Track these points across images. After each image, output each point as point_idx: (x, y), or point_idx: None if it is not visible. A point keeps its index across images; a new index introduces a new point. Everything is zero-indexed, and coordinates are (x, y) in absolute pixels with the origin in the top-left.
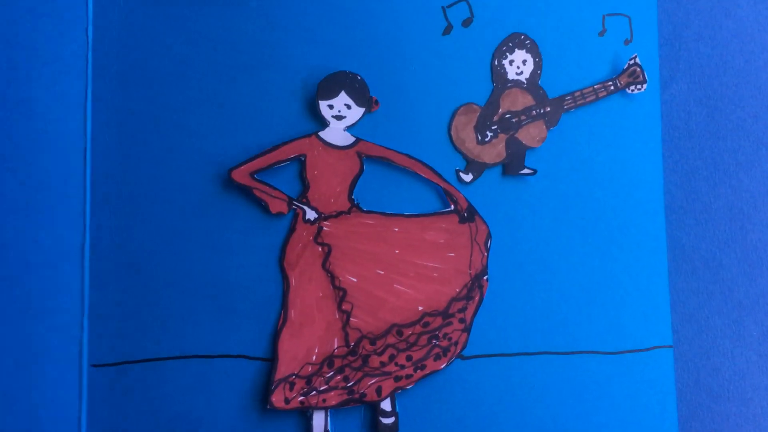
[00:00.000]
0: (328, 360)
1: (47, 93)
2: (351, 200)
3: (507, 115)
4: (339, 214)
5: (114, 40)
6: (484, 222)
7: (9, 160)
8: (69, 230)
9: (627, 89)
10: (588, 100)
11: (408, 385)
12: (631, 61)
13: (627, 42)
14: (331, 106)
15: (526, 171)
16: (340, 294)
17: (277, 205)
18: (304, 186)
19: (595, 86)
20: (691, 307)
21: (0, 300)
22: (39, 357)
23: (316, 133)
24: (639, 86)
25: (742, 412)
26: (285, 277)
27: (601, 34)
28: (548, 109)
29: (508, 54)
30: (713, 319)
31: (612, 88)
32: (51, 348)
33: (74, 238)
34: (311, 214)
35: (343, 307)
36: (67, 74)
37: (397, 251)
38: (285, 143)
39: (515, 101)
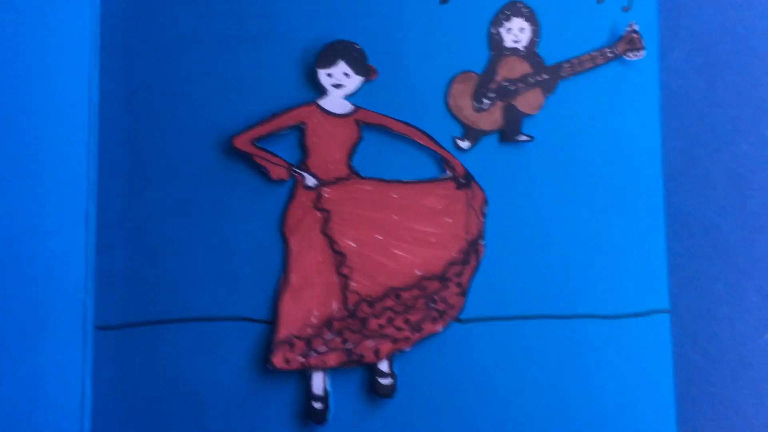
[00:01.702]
0: (328, 322)
1: (56, 63)
2: (350, 167)
3: (504, 83)
4: (338, 180)
5: (120, 11)
6: (481, 188)
7: (17, 128)
8: (75, 194)
9: (625, 56)
10: (585, 67)
11: (405, 347)
12: (629, 28)
13: (625, 9)
14: (330, 75)
15: (522, 138)
16: (339, 258)
17: (278, 172)
18: (304, 153)
19: (593, 53)
20: (690, 272)
21: (6, 262)
22: (44, 319)
23: (315, 102)
24: (637, 53)
25: (740, 377)
26: (285, 242)
27: (600, 1)
28: (545, 76)
29: (505, 22)
30: (712, 284)
31: (610, 55)
32: (56, 310)
33: (80, 202)
34: (311, 181)
35: (343, 271)
36: (74, 45)
37: (395, 216)
38: (285, 111)
39: (512, 69)
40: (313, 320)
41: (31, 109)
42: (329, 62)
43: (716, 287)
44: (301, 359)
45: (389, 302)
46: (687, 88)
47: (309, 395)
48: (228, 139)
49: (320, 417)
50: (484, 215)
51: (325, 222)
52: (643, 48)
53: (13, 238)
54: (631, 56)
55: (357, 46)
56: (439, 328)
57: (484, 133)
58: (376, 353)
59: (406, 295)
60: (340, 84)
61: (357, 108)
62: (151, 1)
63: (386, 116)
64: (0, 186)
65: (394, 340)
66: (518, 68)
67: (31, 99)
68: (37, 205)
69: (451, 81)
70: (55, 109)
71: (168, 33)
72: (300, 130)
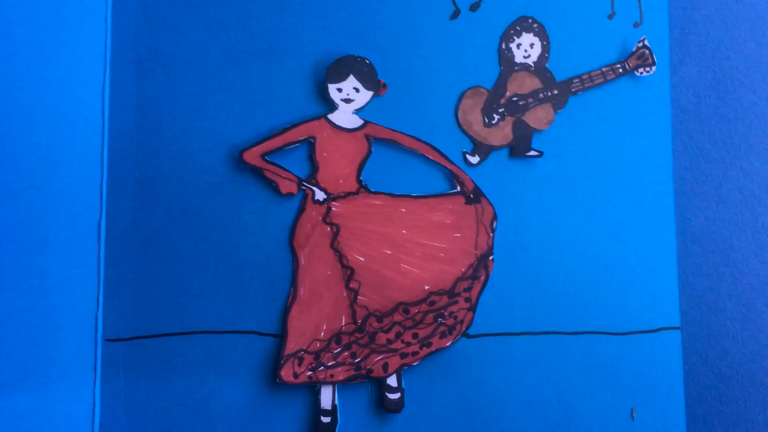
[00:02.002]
0: (336, 336)
1: (68, 76)
2: (359, 181)
3: (514, 98)
4: (347, 194)
5: (132, 25)
6: (490, 203)
7: (29, 142)
8: (87, 208)
9: (636, 72)
10: (596, 82)
11: (414, 361)
12: (640, 44)
13: (636, 25)
14: (340, 90)
15: (532, 153)
16: (348, 273)
17: (287, 186)
18: (314, 167)
19: (603, 69)
20: (701, 289)
21: (19, 275)
22: (55, 330)
23: (325, 116)
24: (648, 69)
25: (752, 395)
26: (294, 256)
27: (610, 17)
28: (556, 92)
29: (515, 37)
30: (723, 302)
31: (620, 70)
32: (67, 322)
33: (92, 216)
34: (320, 195)
35: (351, 285)
36: (87, 59)
37: (404, 231)
38: (295, 126)
39: (522, 84)
40: (322, 334)
41: (44, 122)
42: (339, 77)
43: (727, 305)
44: (310, 373)
45: (398, 317)
46: (698, 104)
47: (317, 409)
48: (238, 153)
49: (328, 431)
50: (493, 231)
51: (334, 236)
52: (653, 64)
53: (28, 251)
54: (642, 72)
55: (367, 61)
56: (447, 343)
57: (494, 149)
58: (385, 368)
59: (414, 309)
60: (350, 99)
61: (366, 123)
62: (162, 15)
63: (396, 131)
64: (14, 199)
65: (403, 355)
66: (528, 84)
67: (44, 113)
68: (50, 219)
69: (461, 96)
70: (67, 123)
71: (179, 47)
72: (310, 144)
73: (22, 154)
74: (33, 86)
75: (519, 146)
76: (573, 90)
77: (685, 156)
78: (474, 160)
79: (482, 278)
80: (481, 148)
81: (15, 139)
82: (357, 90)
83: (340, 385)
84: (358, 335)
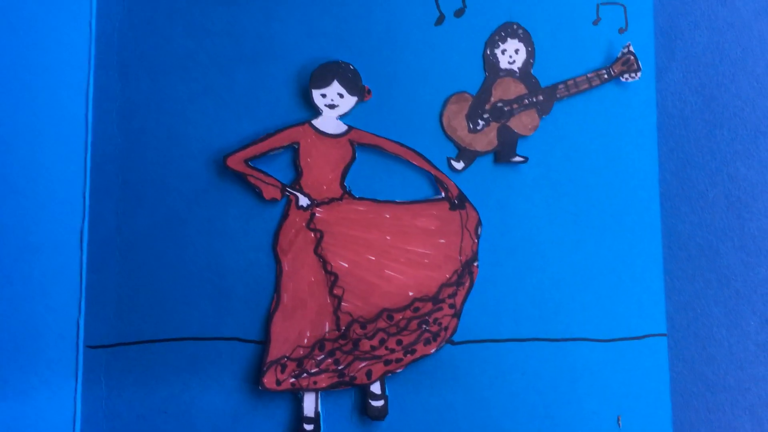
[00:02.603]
0: (319, 343)
1: (51, 80)
2: (343, 187)
3: (499, 104)
4: (331, 200)
5: (116, 30)
6: (475, 209)
7: (12, 146)
8: (69, 214)
9: (621, 77)
10: (581, 88)
11: (398, 368)
12: (625, 50)
13: (622, 31)
14: (324, 95)
15: (517, 159)
16: (332, 279)
17: (271, 192)
18: (298, 173)
19: (589, 75)
20: (687, 296)
21: (4, 284)
22: (37, 336)
23: (309, 122)
24: (633, 74)
25: (739, 402)
26: (278, 262)
27: (596, 23)
28: (541, 97)
29: (500, 43)
30: (709, 308)
31: (606, 76)
32: (49, 328)
33: (74, 221)
34: (304, 201)
35: (335, 292)
36: (71, 63)
37: (388, 237)
38: (279, 131)
39: (507, 90)
40: (305, 341)
41: (27, 126)
42: (323, 82)
43: (714, 311)
44: (293, 380)
45: (382, 323)
46: (684, 109)
47: (300, 416)
48: (221, 158)
49: None
50: (478, 236)
51: (318, 242)
52: (639, 69)
53: (8, 256)
54: (628, 78)
55: (351, 67)
56: (432, 350)
57: (479, 154)
58: (368, 375)
59: (398, 316)
60: (334, 104)
61: (351, 128)
62: (147, 19)
63: (380, 137)
64: (0, 204)
65: (387, 362)
66: (513, 89)
67: (27, 116)
68: (32, 223)
69: (445, 102)
70: (50, 128)
71: (163, 52)
72: (293, 150)
73: (3, 158)
74: (16, 89)
75: (504, 152)
76: (558, 96)
77: (671, 161)
78: (459, 165)
79: (467, 284)
80: (465, 154)
81: None
82: (341, 95)
83: (324, 392)
84: (341, 342)
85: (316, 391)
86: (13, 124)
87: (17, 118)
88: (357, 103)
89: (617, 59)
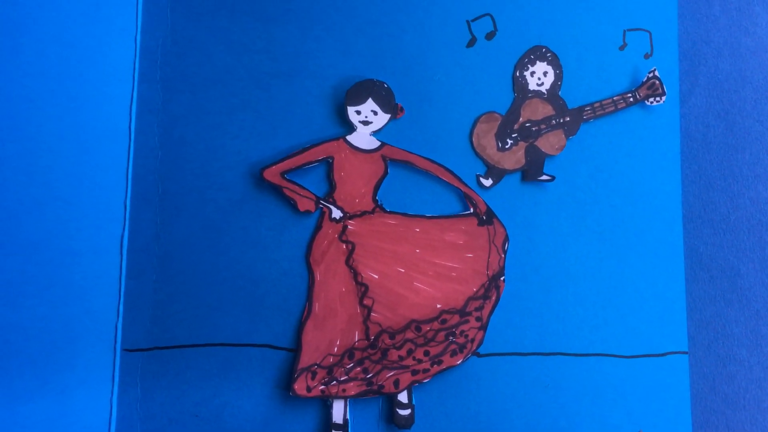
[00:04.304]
0: (349, 352)
1: (97, 94)
2: (375, 201)
3: (527, 124)
4: (363, 213)
5: (159, 46)
6: (502, 225)
7: (57, 154)
8: (110, 221)
9: (646, 101)
10: (607, 110)
11: (425, 379)
12: (651, 74)
13: (647, 56)
14: (358, 112)
15: (544, 177)
16: (362, 289)
17: (305, 204)
18: (331, 186)
19: (615, 98)
20: (708, 315)
21: (43, 283)
22: (75, 339)
23: (343, 137)
24: (658, 98)
25: (758, 421)
26: (310, 272)
27: (622, 48)
28: (568, 118)
29: (529, 66)
30: (730, 327)
31: (631, 99)
32: (87, 331)
33: (115, 229)
34: (337, 213)
35: (365, 302)
36: (116, 77)
37: (417, 250)
38: (314, 145)
39: (535, 111)
40: (335, 349)
41: (72, 136)
42: (358, 100)
43: (734, 330)
44: (322, 387)
45: (410, 334)
46: (707, 133)
47: (329, 423)
48: (258, 171)
49: None
50: (505, 252)
51: (350, 254)
52: (663, 93)
53: (52, 261)
54: (652, 101)
55: (385, 85)
56: (458, 361)
57: (507, 172)
58: (396, 384)
59: (426, 327)
60: (368, 121)
61: (383, 144)
62: (189, 37)
63: (411, 153)
64: (41, 210)
65: (414, 372)
66: (541, 110)
67: (73, 126)
68: (75, 230)
69: (475, 121)
70: (94, 140)
71: (204, 67)
72: (328, 164)
73: (50, 167)
74: (63, 102)
75: (531, 170)
76: (584, 117)
77: (693, 184)
78: (487, 182)
79: (493, 298)
80: (494, 172)
81: (44, 152)
82: (375, 113)
83: (352, 400)
84: (370, 351)
85: (345, 398)
86: (60, 134)
87: (63, 128)
88: (390, 120)
89: (643, 83)
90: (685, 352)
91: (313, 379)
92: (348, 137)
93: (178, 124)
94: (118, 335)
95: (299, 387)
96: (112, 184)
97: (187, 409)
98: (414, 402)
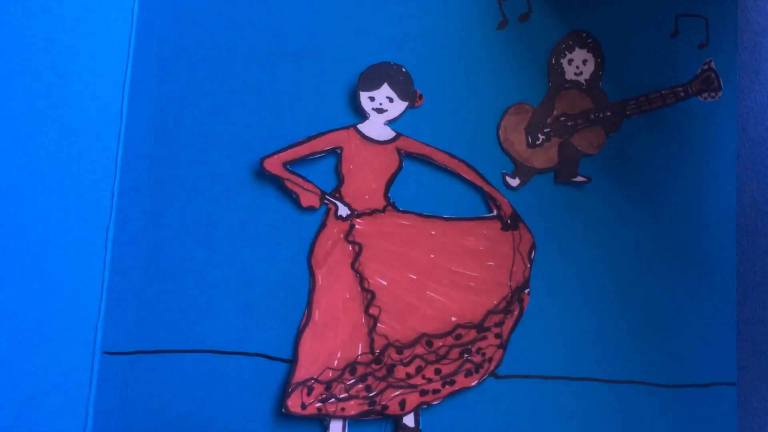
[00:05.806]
0: (351, 366)
1: (88, 70)
2: (387, 198)
3: (562, 118)
4: (373, 212)
5: (157, 20)
6: (529, 231)
7: (40, 135)
8: (96, 210)
9: (699, 97)
10: (654, 106)
11: (434, 400)
12: (705, 66)
13: (702, 46)
14: (372, 98)
15: (579, 179)
16: (368, 296)
17: (309, 199)
18: (339, 180)
19: (663, 91)
20: (762, 342)
21: (19, 276)
22: (52, 337)
23: (354, 126)
24: (713, 94)
25: None
26: (312, 275)
27: (674, 36)
28: (608, 113)
29: (567, 52)
30: None
31: (682, 94)
32: (65, 330)
33: (100, 218)
34: (344, 211)
35: (370, 311)
36: (109, 51)
37: (432, 256)
38: (321, 134)
39: (572, 103)
40: (335, 363)
41: (59, 116)
42: (373, 85)
43: None
44: (319, 405)
45: (420, 349)
46: (767, 134)
47: None
48: (258, 160)
49: None
50: (531, 261)
51: (356, 256)
52: (719, 89)
53: (29, 251)
54: (706, 97)
55: (403, 70)
56: (473, 382)
57: (537, 171)
58: (402, 405)
59: (438, 343)
60: (382, 109)
61: (399, 135)
62: (189, 10)
63: (430, 146)
64: (18, 195)
65: (423, 392)
66: (578, 103)
67: (60, 106)
68: (56, 218)
69: (503, 112)
70: (82, 124)
71: (204, 45)
72: (336, 155)
73: (31, 147)
74: (51, 78)
75: (564, 170)
76: (628, 113)
77: (750, 192)
78: (514, 182)
79: (516, 313)
80: (522, 170)
81: (25, 129)
82: (391, 100)
83: (351, 421)
84: (374, 366)
85: (343, 418)
86: (43, 110)
87: (47, 104)
88: (407, 109)
89: (696, 76)
90: (733, 383)
91: (309, 395)
92: (359, 126)
93: (173, 106)
94: (98, 336)
95: (293, 403)
96: (99, 169)
97: (170, 422)
98: (421, 426)
